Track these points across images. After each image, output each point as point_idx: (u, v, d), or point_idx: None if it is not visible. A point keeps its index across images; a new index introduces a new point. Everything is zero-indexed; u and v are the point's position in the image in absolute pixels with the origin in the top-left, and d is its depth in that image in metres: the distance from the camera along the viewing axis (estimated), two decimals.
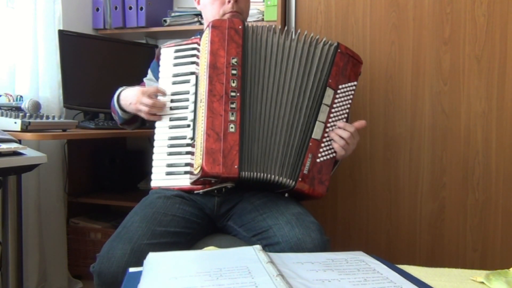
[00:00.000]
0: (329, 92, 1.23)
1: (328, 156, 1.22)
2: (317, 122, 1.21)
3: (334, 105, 1.24)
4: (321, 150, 1.21)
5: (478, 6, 1.70)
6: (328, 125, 1.23)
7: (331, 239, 1.16)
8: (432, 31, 1.75)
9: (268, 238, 1.13)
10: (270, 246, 1.11)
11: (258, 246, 0.88)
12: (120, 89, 1.41)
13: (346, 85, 1.27)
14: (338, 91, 1.25)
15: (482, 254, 1.73)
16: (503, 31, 1.68)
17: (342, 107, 1.26)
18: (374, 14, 1.82)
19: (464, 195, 1.74)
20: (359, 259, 0.86)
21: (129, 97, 1.34)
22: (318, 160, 1.20)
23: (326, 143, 1.22)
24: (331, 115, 1.23)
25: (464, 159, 1.74)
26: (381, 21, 1.81)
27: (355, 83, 1.28)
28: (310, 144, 1.20)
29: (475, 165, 1.73)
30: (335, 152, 1.24)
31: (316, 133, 1.21)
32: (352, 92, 1.27)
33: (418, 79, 1.78)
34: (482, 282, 0.80)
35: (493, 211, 1.71)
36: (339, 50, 1.25)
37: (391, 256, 1.81)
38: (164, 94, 1.29)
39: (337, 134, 1.23)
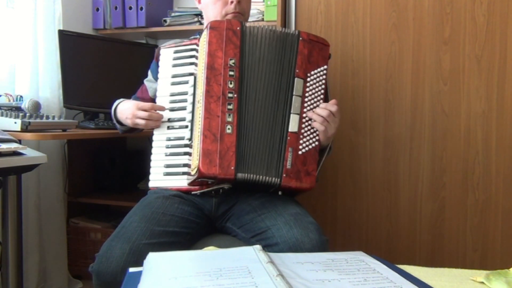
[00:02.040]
0: (299, 82, 1.22)
1: (310, 146, 1.21)
2: (291, 115, 1.21)
3: (306, 94, 1.23)
4: (301, 142, 1.21)
5: (478, 6, 1.70)
6: (304, 115, 1.22)
7: (330, 239, 1.15)
8: (432, 31, 1.75)
9: (267, 239, 1.13)
10: (269, 247, 1.11)
11: (258, 246, 0.88)
12: (117, 102, 1.43)
13: (316, 71, 1.25)
14: (308, 79, 1.24)
15: (482, 254, 1.73)
16: (503, 31, 1.68)
17: (316, 94, 1.25)
18: (374, 14, 1.82)
19: (464, 195, 1.74)
20: (359, 259, 0.86)
21: (125, 112, 1.35)
22: (300, 152, 1.20)
23: (305, 134, 1.22)
24: (305, 104, 1.23)
25: (464, 159, 1.74)
26: (381, 21, 1.81)
27: (325, 67, 1.27)
28: (289, 138, 1.19)
29: (475, 165, 1.73)
30: (317, 140, 1.23)
31: (293, 126, 1.20)
32: (324, 76, 1.26)
33: (418, 79, 1.78)
34: (482, 282, 0.80)
35: (493, 211, 1.71)
36: (300, 38, 1.24)
37: (391, 256, 1.81)
38: (161, 109, 1.30)
39: (316, 113, 1.22)
